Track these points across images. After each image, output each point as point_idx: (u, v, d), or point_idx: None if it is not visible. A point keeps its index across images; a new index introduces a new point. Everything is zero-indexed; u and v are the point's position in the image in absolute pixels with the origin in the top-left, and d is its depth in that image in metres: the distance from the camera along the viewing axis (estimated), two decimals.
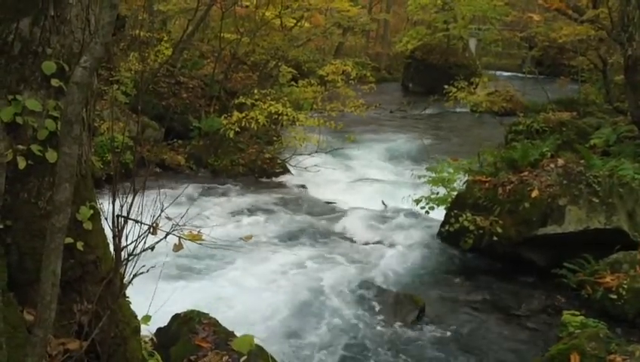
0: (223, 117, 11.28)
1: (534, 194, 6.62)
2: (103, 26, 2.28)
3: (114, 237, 2.84)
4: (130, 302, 3.17)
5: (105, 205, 2.93)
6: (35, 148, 2.63)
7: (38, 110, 2.64)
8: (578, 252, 6.26)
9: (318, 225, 8.33)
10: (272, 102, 11.16)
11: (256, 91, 11.72)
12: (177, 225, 2.94)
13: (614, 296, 5.60)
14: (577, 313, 5.11)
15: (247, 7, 14.47)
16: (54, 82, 2.67)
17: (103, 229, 2.98)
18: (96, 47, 2.28)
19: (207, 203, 8.96)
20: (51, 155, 2.64)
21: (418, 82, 22.94)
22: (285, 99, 11.76)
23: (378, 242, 7.77)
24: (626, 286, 5.59)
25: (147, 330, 3.76)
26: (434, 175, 8.67)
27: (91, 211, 2.85)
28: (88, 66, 2.26)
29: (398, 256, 7.23)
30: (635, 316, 5.49)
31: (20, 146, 2.62)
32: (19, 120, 2.60)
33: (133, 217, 2.85)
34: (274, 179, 11.17)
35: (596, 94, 14.47)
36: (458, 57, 22.85)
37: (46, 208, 2.67)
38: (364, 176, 11.74)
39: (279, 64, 14.96)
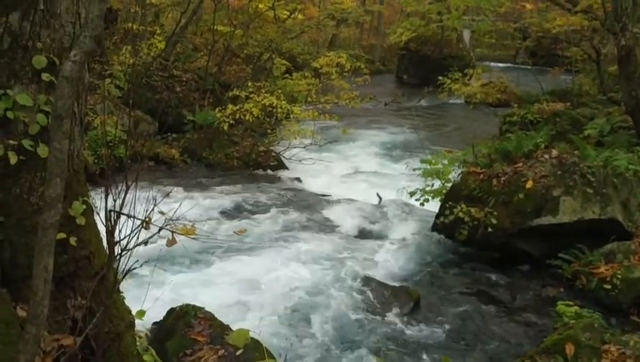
0: (217, 110, 11.25)
1: (529, 185, 6.62)
2: (92, 20, 2.25)
3: (107, 232, 2.82)
4: (124, 297, 3.16)
5: (98, 200, 2.91)
6: (26, 143, 2.61)
7: (29, 105, 2.62)
8: (572, 242, 6.27)
9: (312, 218, 8.32)
10: (266, 95, 11.14)
11: (250, 84, 11.68)
12: (171, 219, 2.92)
13: (608, 286, 5.62)
14: (572, 303, 5.14)
15: None
16: (45, 76, 2.64)
17: (96, 224, 2.96)
18: (86, 40, 2.25)
19: (201, 197, 8.93)
20: (43, 150, 2.62)
21: (412, 74, 22.93)
22: (279, 91, 11.74)
23: (373, 235, 7.77)
24: (620, 277, 5.61)
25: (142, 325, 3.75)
26: (428, 167, 8.67)
27: (84, 206, 2.83)
28: (78, 60, 2.23)
29: (393, 248, 7.24)
30: (629, 306, 5.51)
31: (12, 141, 2.59)
32: (10, 115, 2.57)
33: (126, 212, 2.83)
34: (269, 172, 11.15)
35: (590, 85, 14.46)
36: (452, 49, 22.82)
37: (38, 204, 2.64)
38: (358, 168, 11.74)
39: (273, 56, 14.92)
